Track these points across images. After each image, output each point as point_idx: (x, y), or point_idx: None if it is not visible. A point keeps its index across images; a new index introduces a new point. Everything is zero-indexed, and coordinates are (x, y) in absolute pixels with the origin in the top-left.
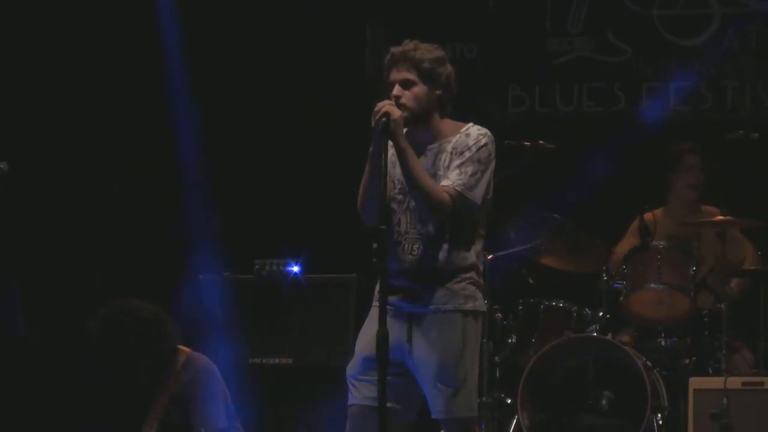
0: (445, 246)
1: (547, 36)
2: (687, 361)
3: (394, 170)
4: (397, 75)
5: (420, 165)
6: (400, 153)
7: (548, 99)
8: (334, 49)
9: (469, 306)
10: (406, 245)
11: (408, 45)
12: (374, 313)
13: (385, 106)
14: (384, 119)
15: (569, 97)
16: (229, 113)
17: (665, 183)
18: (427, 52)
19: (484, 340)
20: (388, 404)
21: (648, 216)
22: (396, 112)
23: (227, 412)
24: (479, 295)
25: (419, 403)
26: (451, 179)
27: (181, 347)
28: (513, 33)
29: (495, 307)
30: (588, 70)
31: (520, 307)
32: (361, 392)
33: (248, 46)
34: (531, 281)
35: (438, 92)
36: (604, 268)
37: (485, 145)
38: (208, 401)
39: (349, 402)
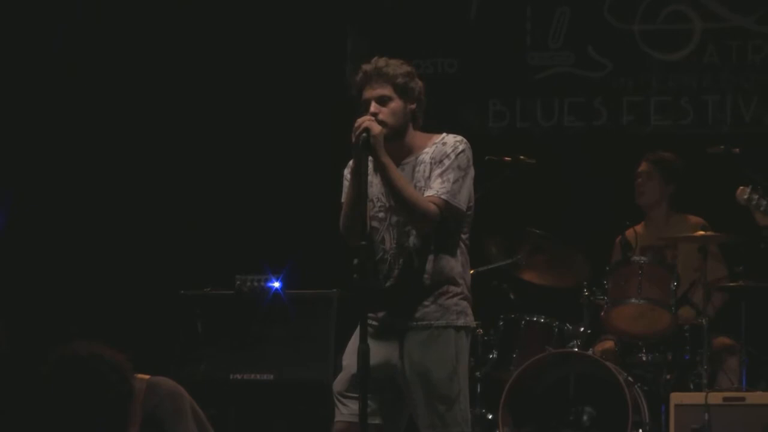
0: (431, 257)
1: (528, 50)
2: (668, 376)
3: (371, 190)
4: (372, 92)
5: (403, 177)
6: (382, 168)
7: (529, 113)
8: (319, 65)
9: (461, 322)
10: (392, 261)
11: (379, 62)
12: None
13: (365, 122)
14: (364, 135)
15: (550, 112)
16: (208, 127)
17: None
18: (398, 67)
19: None
20: (377, 421)
21: (629, 232)
22: (376, 128)
23: (200, 428)
24: (470, 310)
25: (406, 418)
26: (434, 188)
27: (139, 376)
28: (494, 47)
29: (476, 322)
30: (569, 84)
31: (501, 323)
32: (348, 408)
33: (233, 63)
34: (512, 296)
35: (412, 106)
36: (585, 282)
37: (463, 151)
38: (178, 423)
39: (336, 418)
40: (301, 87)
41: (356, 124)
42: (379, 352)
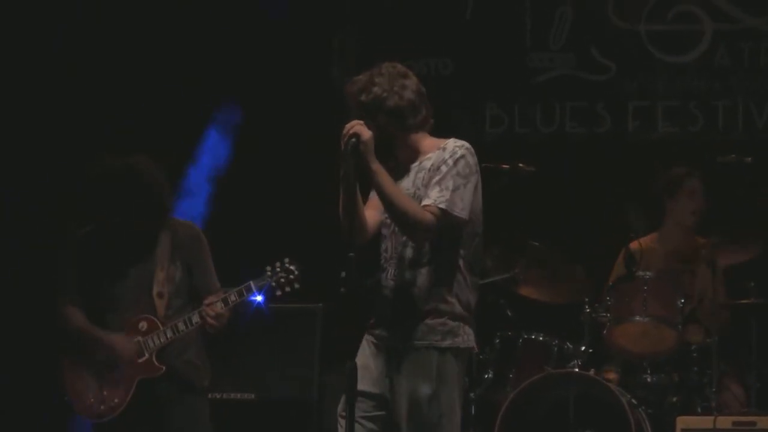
0: (424, 272)
1: (528, 52)
2: (674, 398)
3: None
4: None
5: (394, 186)
6: (372, 175)
7: (528, 119)
8: (306, 64)
9: (447, 343)
10: (389, 271)
11: (352, 81)
12: (363, 344)
13: (355, 126)
14: (353, 140)
15: (550, 117)
16: (188, 136)
17: (661, 209)
18: (360, 83)
19: None
20: None
21: (634, 245)
22: (366, 133)
23: None
24: (462, 330)
25: None
26: (432, 197)
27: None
28: (491, 48)
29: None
30: (570, 88)
31: (498, 341)
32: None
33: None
34: (509, 313)
35: (380, 118)
36: (587, 299)
37: (462, 156)
38: (208, 261)
39: None
40: (289, 90)
41: (345, 129)
42: (376, 369)
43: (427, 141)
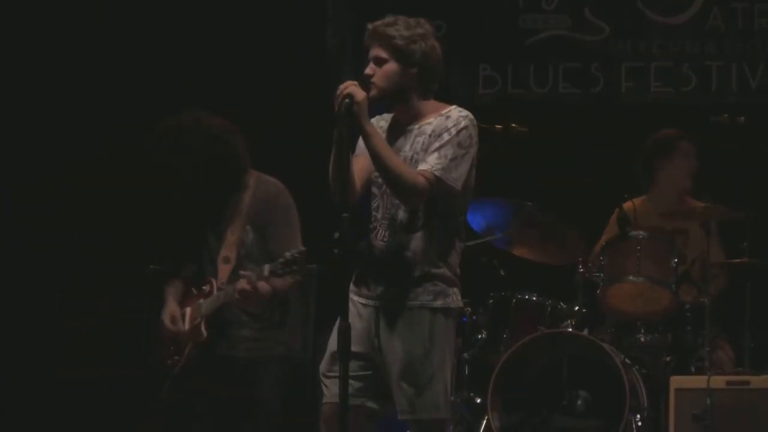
0: (416, 235)
1: (521, 13)
2: (668, 358)
3: None
4: (371, 52)
5: (388, 148)
6: (366, 137)
7: (521, 80)
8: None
9: (439, 303)
10: (380, 231)
11: (386, 20)
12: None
13: (348, 87)
14: (347, 101)
15: (544, 78)
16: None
17: (652, 170)
18: (403, 28)
19: None
20: (358, 402)
21: (628, 205)
22: (360, 94)
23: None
24: (451, 290)
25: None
26: (429, 163)
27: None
28: (484, 9)
29: (464, 300)
30: (564, 49)
31: (491, 301)
32: (330, 390)
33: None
34: (502, 273)
35: (413, 71)
36: (581, 259)
37: (465, 127)
38: (286, 223)
39: (322, 400)
40: (281, 53)
41: (339, 90)
42: (362, 329)
43: (429, 105)
